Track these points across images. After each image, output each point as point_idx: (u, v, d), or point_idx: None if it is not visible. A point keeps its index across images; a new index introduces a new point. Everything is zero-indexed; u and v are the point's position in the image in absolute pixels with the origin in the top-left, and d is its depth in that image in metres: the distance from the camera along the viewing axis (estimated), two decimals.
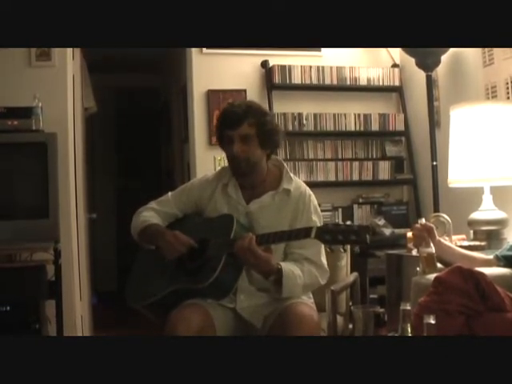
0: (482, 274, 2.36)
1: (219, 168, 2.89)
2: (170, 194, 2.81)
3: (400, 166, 5.01)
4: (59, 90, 4.14)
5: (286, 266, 2.49)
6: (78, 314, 4.20)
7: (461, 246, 3.10)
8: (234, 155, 2.58)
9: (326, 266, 2.62)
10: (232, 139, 2.58)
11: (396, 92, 5.08)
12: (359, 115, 4.87)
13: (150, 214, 2.73)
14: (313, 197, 2.70)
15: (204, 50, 4.72)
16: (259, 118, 2.61)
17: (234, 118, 2.59)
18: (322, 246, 2.59)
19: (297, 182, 2.72)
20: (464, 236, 3.53)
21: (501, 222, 3.49)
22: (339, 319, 2.85)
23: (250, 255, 2.39)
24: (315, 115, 4.78)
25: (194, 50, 4.73)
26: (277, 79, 4.73)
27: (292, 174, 2.73)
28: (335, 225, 2.36)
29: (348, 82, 4.87)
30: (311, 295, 2.71)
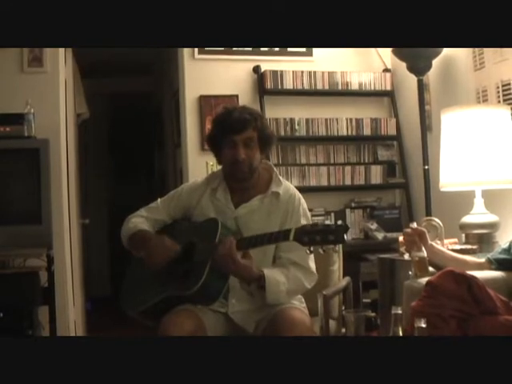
0: (474, 277, 2.36)
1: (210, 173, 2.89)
2: (159, 200, 2.79)
3: (392, 170, 5.02)
4: (51, 95, 4.14)
5: (269, 273, 2.48)
6: (71, 319, 4.20)
7: (453, 250, 3.11)
8: (239, 160, 2.56)
9: (313, 269, 2.61)
10: (236, 143, 2.56)
11: (388, 96, 5.09)
12: (351, 120, 4.88)
13: (139, 221, 2.72)
14: (302, 200, 2.69)
15: (196, 55, 4.73)
16: (260, 121, 2.62)
17: (241, 122, 2.57)
18: None
19: (286, 185, 2.71)
20: (456, 239, 3.54)
21: (492, 226, 3.51)
22: (332, 324, 2.85)
23: (230, 262, 2.37)
24: (307, 120, 4.79)
25: (186, 55, 4.74)
26: (269, 84, 4.73)
27: (281, 178, 2.73)
28: (313, 225, 2.34)
29: (340, 87, 4.87)
30: (303, 299, 2.71)
